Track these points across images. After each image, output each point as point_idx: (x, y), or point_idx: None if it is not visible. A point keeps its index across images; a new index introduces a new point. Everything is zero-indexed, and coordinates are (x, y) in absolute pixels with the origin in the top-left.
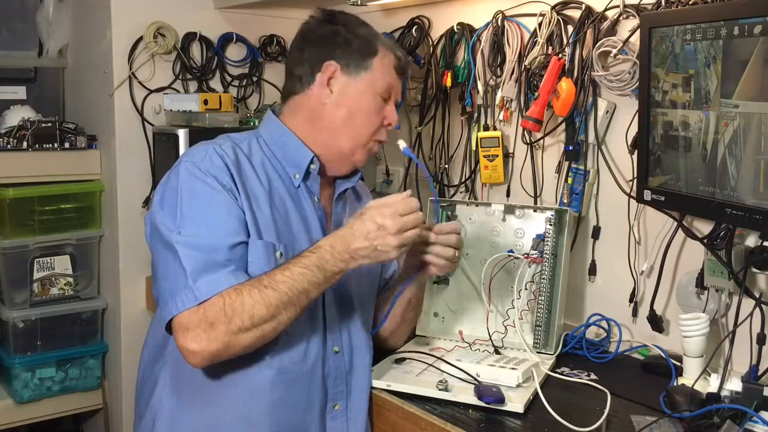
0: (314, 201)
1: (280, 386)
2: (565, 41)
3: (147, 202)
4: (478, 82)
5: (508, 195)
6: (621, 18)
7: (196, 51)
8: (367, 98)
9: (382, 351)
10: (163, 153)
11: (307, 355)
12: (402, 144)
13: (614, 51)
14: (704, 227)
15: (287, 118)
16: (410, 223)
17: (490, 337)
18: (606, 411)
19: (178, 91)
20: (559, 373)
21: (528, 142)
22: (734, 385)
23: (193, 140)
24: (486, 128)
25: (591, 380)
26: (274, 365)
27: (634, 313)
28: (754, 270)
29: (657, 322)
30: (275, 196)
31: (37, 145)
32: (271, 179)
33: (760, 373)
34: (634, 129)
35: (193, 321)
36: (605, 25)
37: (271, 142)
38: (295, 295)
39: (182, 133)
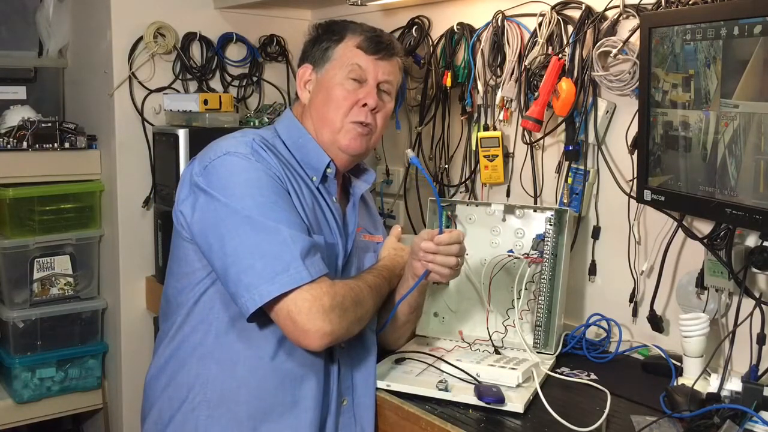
0: (332, 201)
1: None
2: (565, 41)
3: (147, 202)
4: (478, 82)
5: (508, 195)
6: (621, 18)
7: (196, 51)
8: (332, 86)
9: (381, 351)
10: (163, 153)
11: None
12: (410, 153)
13: (614, 51)
14: (704, 227)
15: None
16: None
17: (490, 337)
18: (606, 411)
19: (178, 91)
20: (559, 373)
21: (528, 142)
22: (734, 385)
23: (193, 140)
24: (486, 128)
25: (591, 380)
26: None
27: (634, 313)
28: (754, 270)
29: (657, 322)
30: (303, 194)
31: (37, 145)
32: (299, 176)
33: (760, 373)
34: (634, 129)
35: (324, 304)
36: (605, 25)
37: (290, 142)
38: (380, 298)
39: (182, 133)
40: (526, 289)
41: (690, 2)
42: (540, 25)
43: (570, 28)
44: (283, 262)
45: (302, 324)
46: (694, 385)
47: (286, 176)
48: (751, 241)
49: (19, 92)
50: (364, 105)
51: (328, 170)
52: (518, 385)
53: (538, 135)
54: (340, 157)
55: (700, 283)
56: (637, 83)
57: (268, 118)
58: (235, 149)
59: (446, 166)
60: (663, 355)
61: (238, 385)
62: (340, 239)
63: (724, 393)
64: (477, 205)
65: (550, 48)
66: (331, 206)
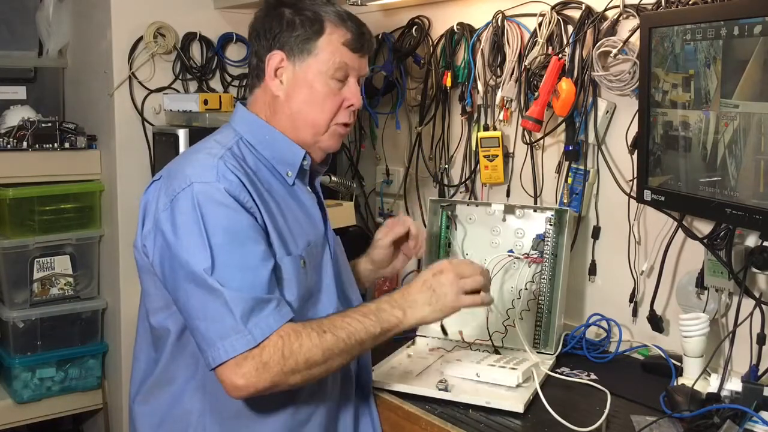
0: (308, 191)
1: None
2: (565, 41)
3: None
4: (478, 82)
5: (508, 195)
6: (621, 18)
7: (196, 51)
8: (316, 85)
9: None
10: (163, 153)
11: None
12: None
13: (614, 51)
14: (704, 227)
15: (259, 111)
16: (468, 272)
17: (490, 337)
18: (606, 411)
19: (178, 91)
20: (559, 373)
21: (528, 142)
22: (734, 385)
23: (193, 140)
24: (486, 128)
25: (591, 380)
26: None
27: (634, 313)
28: (754, 270)
29: (657, 322)
30: (279, 198)
31: (37, 145)
32: (269, 181)
33: (760, 373)
34: (634, 129)
35: (247, 360)
36: (605, 25)
37: (255, 142)
38: (351, 344)
39: (182, 133)
40: (526, 289)
41: (690, 2)
42: (540, 25)
43: (570, 28)
44: (224, 328)
45: (230, 379)
46: (694, 385)
47: (255, 191)
48: (751, 241)
49: (19, 92)
50: (350, 106)
51: (305, 162)
52: (518, 385)
53: (538, 135)
54: (317, 155)
55: (700, 283)
56: (637, 83)
57: None
58: (200, 178)
59: (446, 166)
60: (663, 355)
61: (236, 413)
62: (324, 225)
63: (724, 393)
64: (477, 205)
65: (550, 48)
66: (311, 195)
